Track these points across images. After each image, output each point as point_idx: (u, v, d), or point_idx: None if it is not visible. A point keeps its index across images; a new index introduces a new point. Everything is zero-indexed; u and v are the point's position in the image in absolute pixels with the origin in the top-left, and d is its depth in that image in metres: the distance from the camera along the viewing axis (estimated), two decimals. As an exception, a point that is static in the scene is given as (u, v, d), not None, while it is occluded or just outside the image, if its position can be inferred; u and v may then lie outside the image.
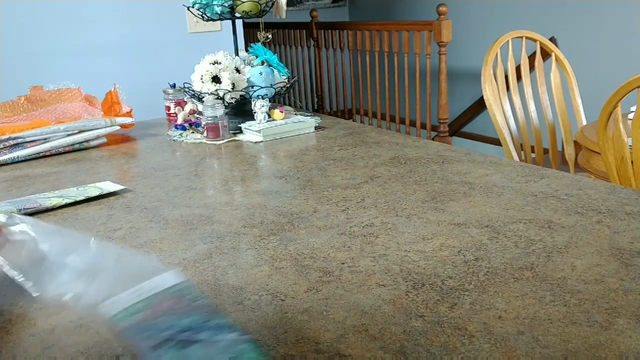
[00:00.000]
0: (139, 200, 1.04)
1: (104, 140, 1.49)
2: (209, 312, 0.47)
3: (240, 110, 1.54)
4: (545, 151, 2.73)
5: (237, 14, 1.55)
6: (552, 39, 3.84)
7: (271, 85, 1.51)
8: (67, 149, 1.42)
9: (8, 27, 2.19)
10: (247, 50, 1.64)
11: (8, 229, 0.62)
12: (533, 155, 2.33)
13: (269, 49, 1.57)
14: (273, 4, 1.58)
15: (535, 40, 2.23)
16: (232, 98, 1.47)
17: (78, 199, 1.03)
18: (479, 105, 4.49)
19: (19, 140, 1.35)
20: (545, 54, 2.22)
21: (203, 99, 1.45)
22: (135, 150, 1.45)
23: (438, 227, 0.83)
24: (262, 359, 0.42)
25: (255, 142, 1.43)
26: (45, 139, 1.39)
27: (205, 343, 0.43)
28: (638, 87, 1.49)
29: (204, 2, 1.52)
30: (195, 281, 0.71)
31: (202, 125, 1.47)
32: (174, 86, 1.71)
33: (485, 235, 0.79)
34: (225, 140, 1.45)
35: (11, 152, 1.34)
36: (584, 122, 2.22)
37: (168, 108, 1.71)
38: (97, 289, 0.56)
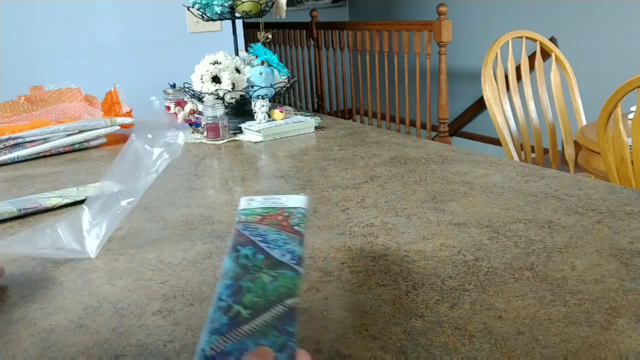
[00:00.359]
0: (138, 200, 1.03)
1: (104, 140, 1.49)
2: (296, 238, 0.57)
3: (240, 110, 1.54)
4: (545, 151, 2.73)
5: (237, 14, 1.55)
6: (552, 39, 3.84)
7: (271, 85, 1.51)
8: (67, 149, 1.42)
9: (8, 27, 2.19)
10: (247, 50, 1.64)
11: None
12: (533, 155, 2.33)
13: (269, 49, 1.57)
14: (273, 4, 1.58)
15: (535, 40, 2.23)
16: (232, 98, 1.47)
17: (78, 199, 1.03)
18: (479, 105, 4.49)
19: (19, 140, 1.35)
20: (545, 54, 2.22)
21: (203, 99, 1.45)
22: (135, 150, 1.44)
23: (438, 227, 0.83)
24: (292, 287, 0.51)
25: (255, 142, 1.43)
26: (45, 139, 1.39)
27: (269, 257, 0.54)
28: (638, 87, 1.49)
29: (204, 2, 1.52)
30: (195, 281, 0.71)
31: (202, 125, 1.47)
32: (174, 86, 1.71)
33: (485, 235, 0.79)
34: (225, 140, 1.45)
35: (11, 152, 1.34)
36: (584, 122, 2.22)
37: (168, 108, 1.71)
38: None
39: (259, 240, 0.57)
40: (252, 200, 0.65)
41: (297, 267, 0.54)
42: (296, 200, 0.65)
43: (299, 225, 0.60)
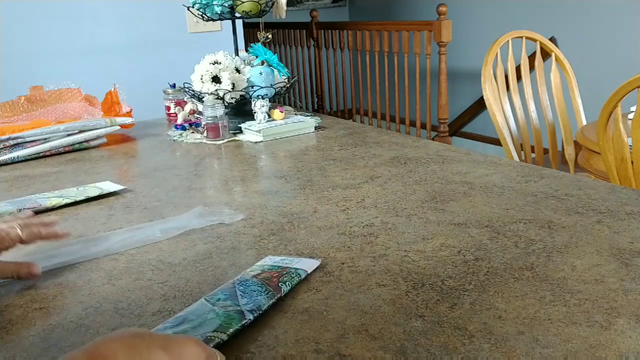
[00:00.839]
0: (139, 200, 1.04)
1: (104, 140, 1.49)
2: (271, 293, 0.64)
3: (240, 110, 1.54)
4: (545, 151, 2.73)
5: (237, 14, 1.55)
6: (552, 39, 3.84)
7: (271, 85, 1.51)
8: (67, 149, 1.42)
9: (8, 27, 2.19)
10: (247, 50, 1.64)
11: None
12: (533, 155, 2.33)
13: (269, 49, 1.57)
14: (273, 4, 1.58)
15: (535, 40, 2.23)
16: (232, 98, 1.47)
17: (78, 199, 1.03)
18: (479, 105, 4.49)
19: (19, 140, 1.35)
20: (545, 54, 2.22)
21: (203, 99, 1.45)
22: (135, 150, 1.45)
23: (438, 227, 0.83)
24: (226, 325, 0.57)
25: (255, 142, 1.43)
26: (45, 139, 1.39)
27: (234, 303, 0.61)
28: (638, 87, 1.49)
29: (204, 2, 1.52)
30: (195, 281, 0.71)
31: (202, 125, 1.47)
32: (174, 86, 1.71)
33: (485, 235, 0.79)
34: (225, 140, 1.45)
35: (11, 152, 1.34)
36: (584, 122, 2.22)
37: (168, 108, 1.72)
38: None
39: (239, 289, 0.65)
40: (270, 258, 0.73)
41: (246, 313, 0.59)
42: (306, 264, 0.71)
43: (285, 284, 0.66)
